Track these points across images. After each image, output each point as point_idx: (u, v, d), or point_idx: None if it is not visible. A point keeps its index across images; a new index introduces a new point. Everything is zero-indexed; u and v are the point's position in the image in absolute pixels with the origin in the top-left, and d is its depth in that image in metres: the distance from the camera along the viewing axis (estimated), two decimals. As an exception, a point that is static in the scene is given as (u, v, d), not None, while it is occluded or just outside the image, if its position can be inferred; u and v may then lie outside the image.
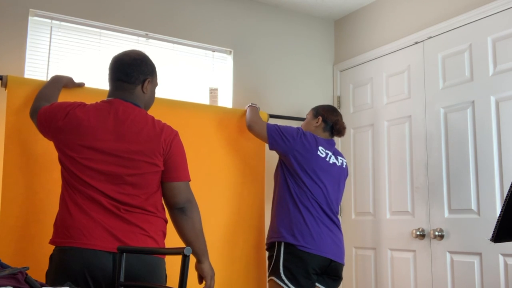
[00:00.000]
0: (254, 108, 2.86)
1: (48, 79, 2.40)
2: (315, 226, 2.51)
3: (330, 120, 2.76)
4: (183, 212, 1.96)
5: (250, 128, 2.75)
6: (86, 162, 1.85)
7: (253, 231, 2.82)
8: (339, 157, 2.71)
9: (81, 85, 2.42)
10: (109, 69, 2.02)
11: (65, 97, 2.25)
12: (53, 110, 1.94)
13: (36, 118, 2.01)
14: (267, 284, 2.58)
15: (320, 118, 2.76)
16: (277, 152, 2.67)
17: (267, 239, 2.64)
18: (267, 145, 2.95)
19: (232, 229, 2.75)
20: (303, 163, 2.56)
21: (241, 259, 2.75)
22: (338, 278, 2.59)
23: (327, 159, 2.62)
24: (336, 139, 3.58)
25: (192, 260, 1.97)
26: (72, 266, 1.77)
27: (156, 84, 2.09)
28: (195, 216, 1.99)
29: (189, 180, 2.00)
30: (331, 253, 2.51)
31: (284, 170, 2.63)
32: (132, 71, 1.96)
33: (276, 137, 2.60)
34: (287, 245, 2.48)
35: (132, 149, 1.87)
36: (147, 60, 2.03)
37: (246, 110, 2.88)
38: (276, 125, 2.66)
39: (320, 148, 2.61)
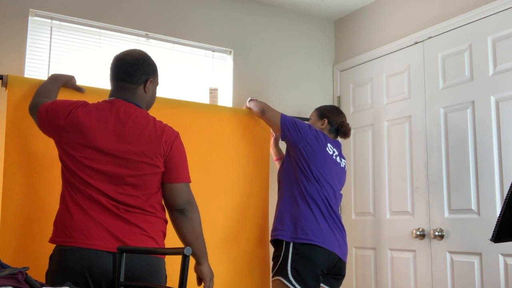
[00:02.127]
0: (257, 100, 2.87)
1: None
2: (324, 223, 2.50)
3: (336, 122, 2.76)
4: (183, 213, 1.96)
5: (263, 113, 2.74)
6: (87, 161, 1.85)
7: (256, 230, 2.82)
8: (342, 159, 2.72)
9: (80, 90, 2.36)
10: (110, 69, 2.01)
11: (64, 95, 2.25)
12: (55, 108, 1.93)
13: (36, 114, 1.99)
14: (271, 283, 2.55)
15: (326, 120, 2.76)
16: (288, 143, 2.65)
17: (273, 230, 2.60)
18: (269, 145, 2.96)
19: (235, 227, 2.75)
20: (312, 156, 2.56)
21: (244, 257, 2.75)
22: (341, 276, 2.59)
23: (334, 157, 2.64)
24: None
25: (192, 261, 1.97)
26: (72, 266, 1.77)
27: (157, 84, 2.09)
28: (195, 217, 1.98)
29: (189, 182, 1.99)
30: (339, 251, 2.51)
31: (293, 164, 2.61)
32: (134, 71, 1.96)
33: (290, 126, 2.60)
34: (296, 245, 2.46)
35: (133, 150, 1.86)
36: (149, 59, 2.02)
37: (248, 105, 2.88)
38: (291, 117, 2.67)
39: (328, 145, 2.63)
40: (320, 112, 2.81)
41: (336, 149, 2.68)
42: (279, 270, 2.46)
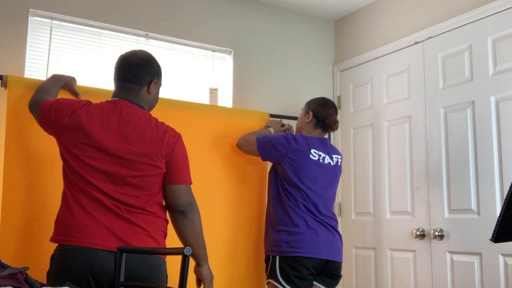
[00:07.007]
0: (261, 129, 2.82)
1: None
2: (308, 230, 2.50)
3: (321, 115, 2.68)
4: (183, 215, 1.96)
5: (238, 147, 2.74)
6: (89, 160, 1.85)
7: (254, 231, 2.82)
8: (333, 156, 2.66)
9: (76, 95, 2.34)
10: (115, 68, 2.00)
11: (63, 96, 2.24)
12: (59, 106, 1.92)
13: (37, 110, 1.97)
14: (266, 286, 2.59)
15: (311, 113, 2.69)
16: (271, 162, 2.66)
17: (265, 246, 2.64)
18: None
19: (233, 228, 2.76)
20: (296, 169, 2.53)
21: (242, 258, 2.76)
22: (336, 276, 2.59)
23: (321, 160, 2.59)
24: (336, 138, 3.59)
25: (191, 262, 1.97)
26: (73, 266, 1.77)
27: (160, 85, 2.09)
28: (195, 219, 1.99)
29: (191, 183, 1.99)
30: (327, 254, 2.51)
31: (277, 179, 2.62)
32: (139, 72, 1.96)
33: (266, 147, 2.58)
34: (281, 258, 2.49)
35: (135, 151, 1.86)
36: (154, 61, 2.02)
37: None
38: (266, 136, 2.63)
39: (312, 151, 2.57)
40: (307, 105, 2.76)
41: (322, 151, 2.61)
42: (270, 273, 2.52)
